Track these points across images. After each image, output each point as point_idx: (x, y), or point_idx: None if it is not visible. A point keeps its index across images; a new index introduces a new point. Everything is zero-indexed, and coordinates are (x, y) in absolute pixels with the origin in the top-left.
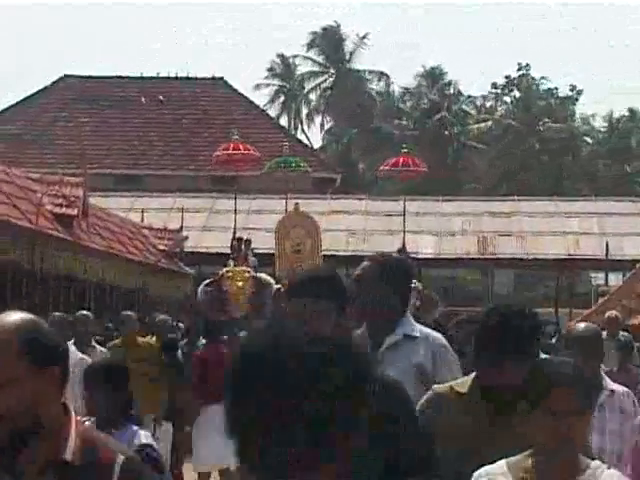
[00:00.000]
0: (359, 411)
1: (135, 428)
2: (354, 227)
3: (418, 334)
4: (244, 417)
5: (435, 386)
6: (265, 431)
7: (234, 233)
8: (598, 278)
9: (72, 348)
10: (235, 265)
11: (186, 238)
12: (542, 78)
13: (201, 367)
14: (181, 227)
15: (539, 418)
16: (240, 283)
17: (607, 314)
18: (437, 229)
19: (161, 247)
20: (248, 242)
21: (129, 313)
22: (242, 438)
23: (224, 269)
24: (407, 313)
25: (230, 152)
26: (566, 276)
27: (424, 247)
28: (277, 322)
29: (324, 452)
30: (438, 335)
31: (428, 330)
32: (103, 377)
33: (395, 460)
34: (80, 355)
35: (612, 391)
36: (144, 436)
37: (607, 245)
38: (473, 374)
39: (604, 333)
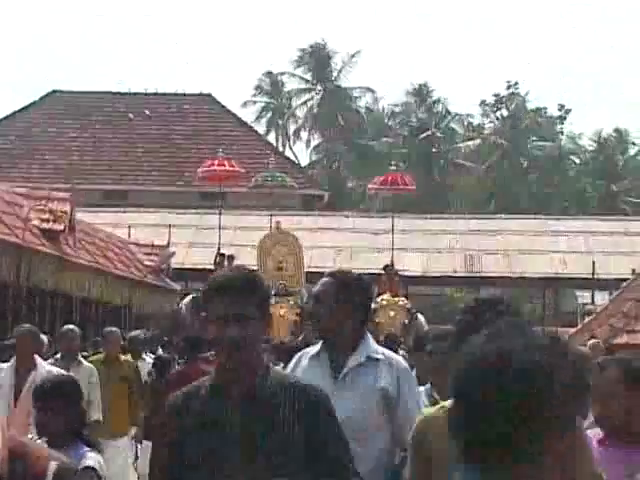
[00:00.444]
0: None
1: (85, 449)
2: (341, 244)
3: (381, 356)
4: (474, 421)
5: (424, 409)
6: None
7: (218, 249)
8: (584, 297)
9: (39, 360)
10: None
11: (173, 254)
12: (527, 94)
13: (178, 384)
14: (168, 243)
15: None
16: None
17: (589, 343)
18: (424, 247)
19: (148, 263)
20: (231, 258)
21: (112, 329)
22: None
23: None
24: (367, 333)
25: (215, 168)
26: (552, 294)
27: (411, 265)
28: (500, 333)
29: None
30: (400, 358)
31: (389, 352)
32: (55, 394)
33: (314, 463)
34: (47, 368)
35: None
36: (91, 458)
37: (594, 264)
38: None
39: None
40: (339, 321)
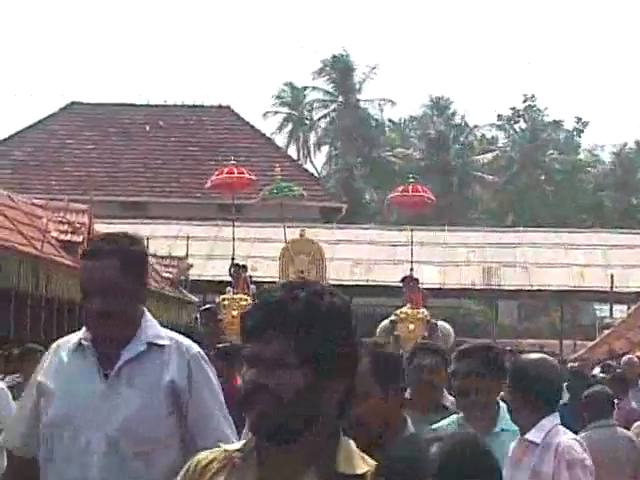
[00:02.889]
0: None
1: None
2: (359, 257)
3: (167, 341)
4: None
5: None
6: None
7: (232, 260)
8: (603, 310)
9: None
10: (235, 293)
11: (191, 266)
12: (546, 109)
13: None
14: (186, 255)
15: None
16: (235, 312)
17: (624, 359)
18: (442, 259)
19: (166, 275)
20: (244, 268)
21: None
22: None
23: (221, 297)
24: (148, 314)
25: (224, 176)
26: (570, 308)
27: (429, 277)
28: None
29: None
30: (192, 343)
31: (178, 335)
32: None
33: None
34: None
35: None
36: None
37: (612, 277)
38: None
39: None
40: (118, 301)
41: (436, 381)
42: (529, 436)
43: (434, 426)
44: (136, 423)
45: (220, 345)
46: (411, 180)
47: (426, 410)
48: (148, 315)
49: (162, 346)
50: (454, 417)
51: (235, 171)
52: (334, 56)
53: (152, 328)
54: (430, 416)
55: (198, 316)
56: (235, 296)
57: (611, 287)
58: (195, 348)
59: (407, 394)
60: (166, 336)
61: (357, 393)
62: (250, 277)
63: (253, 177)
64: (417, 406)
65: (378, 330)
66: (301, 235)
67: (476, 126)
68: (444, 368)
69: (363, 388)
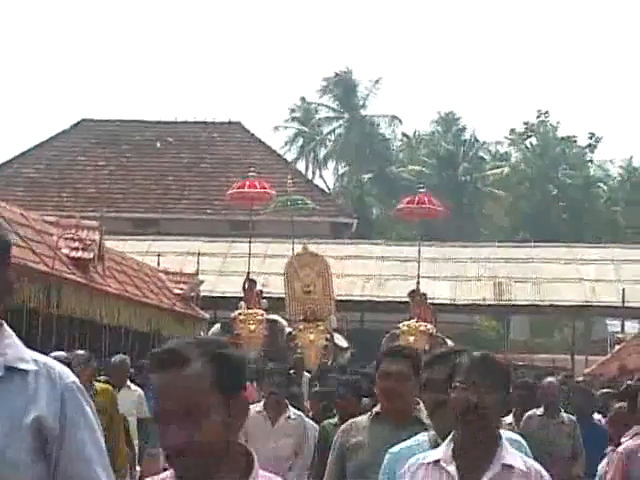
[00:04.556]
0: None
1: None
2: (370, 272)
3: (33, 366)
4: None
5: None
6: None
7: (247, 275)
8: (614, 325)
9: None
10: (248, 307)
11: (202, 282)
12: (558, 123)
13: None
14: (197, 271)
15: None
16: (252, 326)
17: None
18: (453, 275)
19: (177, 291)
20: (254, 282)
21: (79, 352)
22: None
23: (236, 312)
24: (6, 327)
25: (244, 190)
26: (582, 323)
27: (440, 293)
28: None
29: None
30: (65, 369)
31: (47, 358)
32: None
33: None
34: None
35: (509, 466)
36: None
37: (623, 292)
38: None
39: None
40: None
41: (405, 389)
42: None
43: (400, 446)
44: None
45: None
46: (421, 190)
47: (400, 420)
48: (7, 330)
49: (26, 372)
50: (425, 435)
51: (257, 185)
52: (336, 74)
53: (13, 348)
54: (405, 430)
55: (212, 332)
56: (250, 311)
57: (623, 302)
58: (70, 376)
59: (378, 406)
60: (31, 359)
61: (195, 410)
62: (261, 291)
63: (274, 192)
64: (387, 417)
65: (382, 344)
66: (304, 248)
67: (485, 142)
68: (415, 375)
69: (202, 403)
